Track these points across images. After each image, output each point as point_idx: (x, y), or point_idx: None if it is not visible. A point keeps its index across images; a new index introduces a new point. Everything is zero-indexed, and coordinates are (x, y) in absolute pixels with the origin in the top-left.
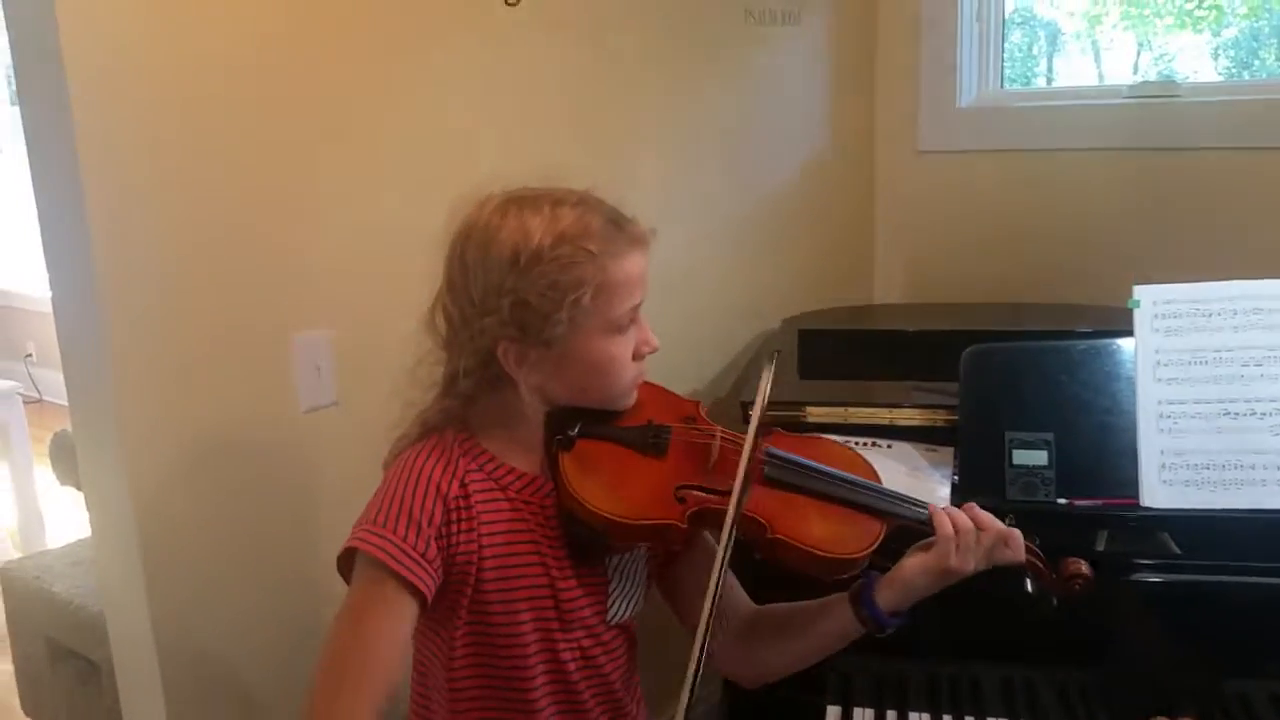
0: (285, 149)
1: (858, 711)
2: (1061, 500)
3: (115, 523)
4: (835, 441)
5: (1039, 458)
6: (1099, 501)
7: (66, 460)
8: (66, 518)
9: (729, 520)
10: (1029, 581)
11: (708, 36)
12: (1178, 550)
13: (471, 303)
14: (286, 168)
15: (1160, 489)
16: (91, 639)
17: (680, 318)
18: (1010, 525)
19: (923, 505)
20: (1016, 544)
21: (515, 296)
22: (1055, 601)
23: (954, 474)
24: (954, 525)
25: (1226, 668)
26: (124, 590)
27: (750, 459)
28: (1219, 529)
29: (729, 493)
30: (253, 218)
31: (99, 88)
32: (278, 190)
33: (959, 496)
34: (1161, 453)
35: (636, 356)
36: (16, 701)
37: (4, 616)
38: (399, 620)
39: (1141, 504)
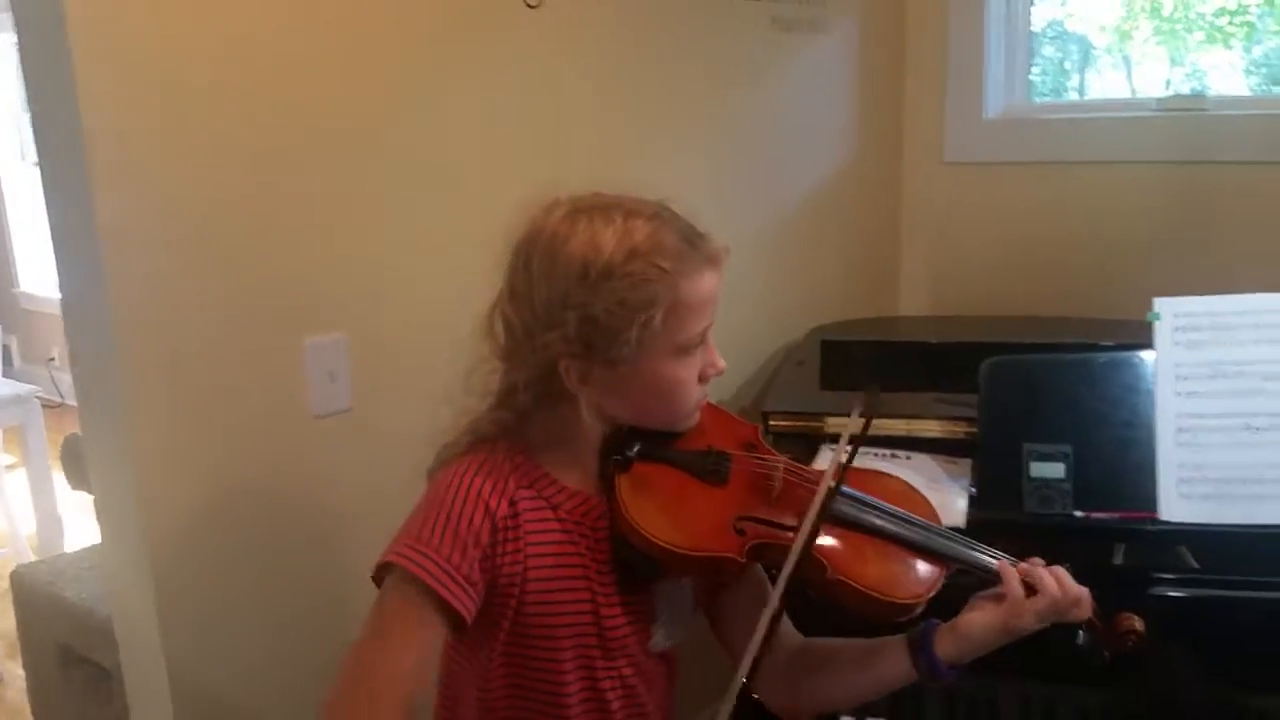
0: (299, 152)
1: None
2: (1079, 513)
3: (124, 528)
4: (896, 477)
5: (1056, 470)
6: (1116, 515)
7: (77, 464)
8: (85, 522)
9: (790, 563)
10: (1081, 635)
11: (733, 44)
12: (1196, 565)
13: (534, 314)
14: (300, 170)
15: (1179, 503)
16: (102, 645)
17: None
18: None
19: (990, 554)
20: (1085, 605)
21: (582, 312)
22: (1107, 657)
23: (971, 486)
24: (1035, 586)
25: (1246, 683)
26: (133, 596)
27: (824, 503)
28: (1238, 543)
29: (791, 528)
30: (265, 220)
31: (108, 91)
32: (291, 193)
33: (976, 509)
34: (1180, 466)
35: (702, 379)
36: (28, 706)
37: (16, 621)
38: (429, 640)
39: (1159, 517)
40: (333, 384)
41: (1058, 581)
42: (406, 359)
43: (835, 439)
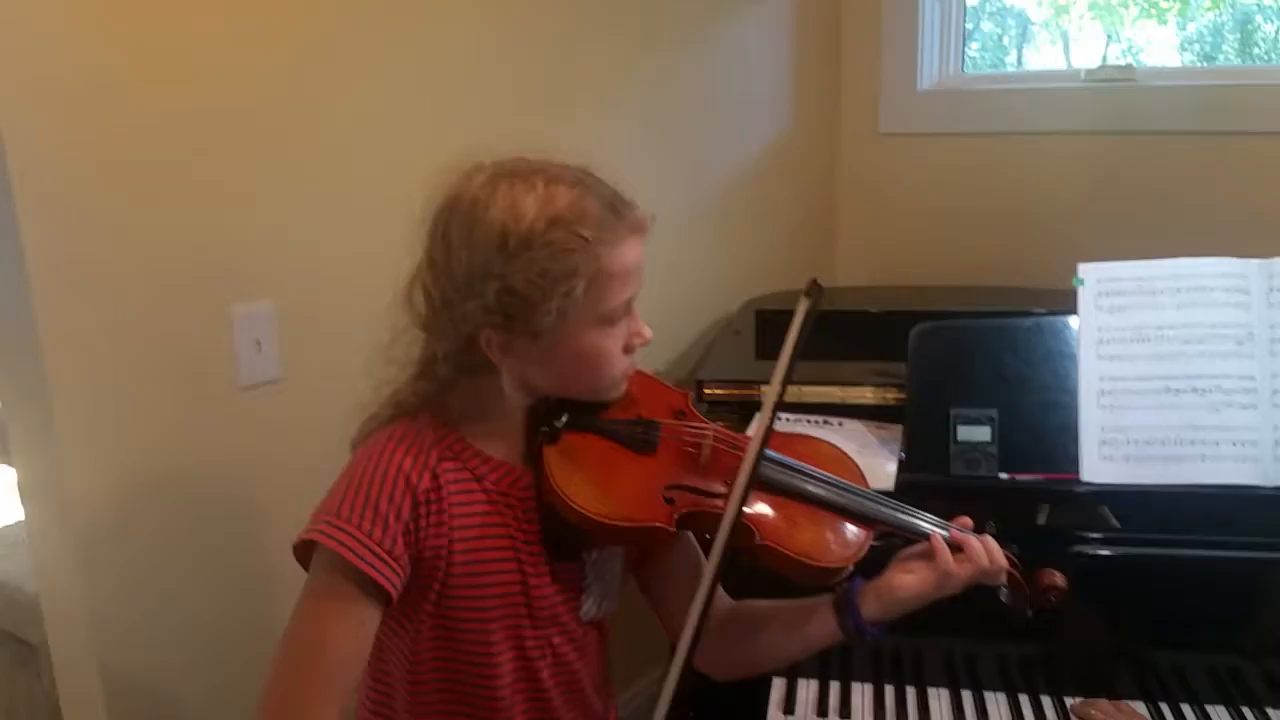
0: (219, 121)
1: (801, 683)
2: (1004, 475)
3: (49, 505)
4: (826, 441)
5: (982, 434)
6: (1040, 476)
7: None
8: (8, 499)
9: (724, 531)
10: (1004, 592)
11: (667, 8)
12: (1117, 524)
13: (454, 284)
14: (220, 139)
15: (1100, 464)
16: (28, 621)
17: (641, 300)
18: (990, 531)
19: (920, 518)
20: (1005, 568)
21: (502, 282)
22: (1030, 613)
23: (901, 450)
24: (966, 554)
25: (1164, 640)
26: (58, 573)
27: (752, 474)
28: (1158, 503)
29: (720, 495)
30: (186, 190)
31: (21, 62)
32: (212, 162)
33: (904, 473)
34: (1102, 429)
35: (628, 349)
36: None
37: None
38: (361, 619)
39: (1082, 478)
40: (259, 354)
41: (986, 550)
42: (338, 327)
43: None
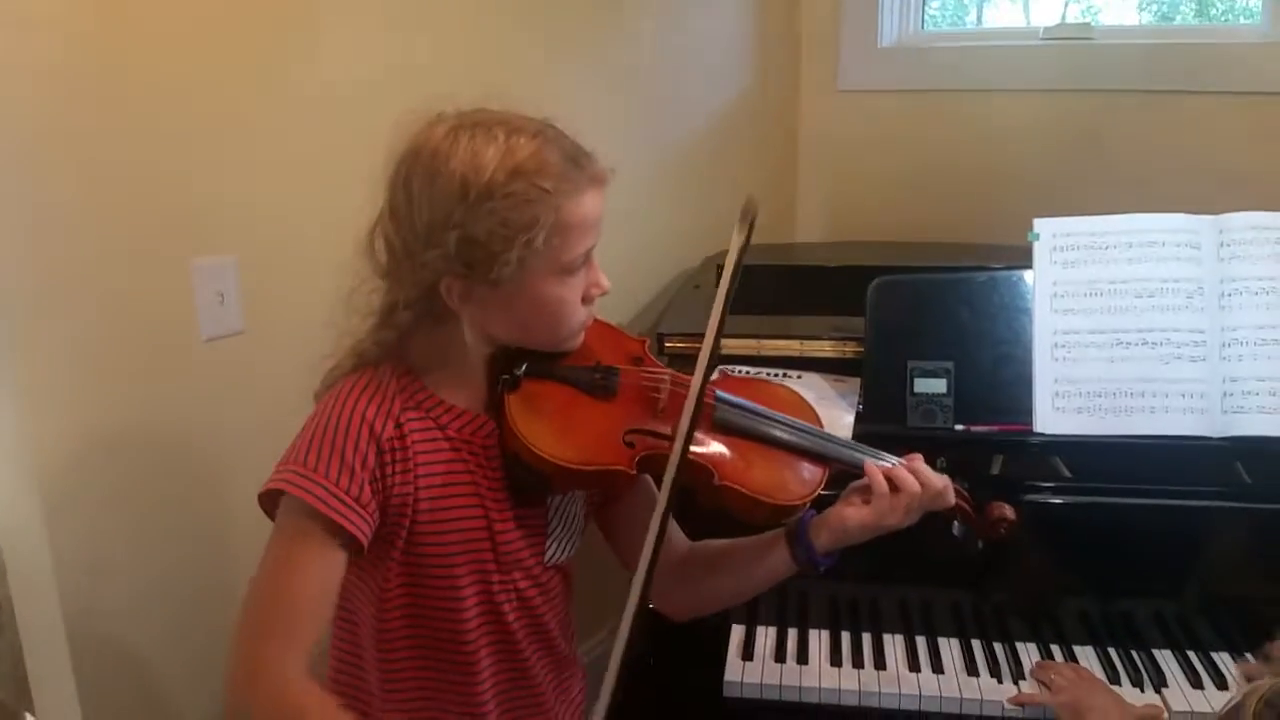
0: (178, 74)
1: (760, 630)
2: (959, 427)
3: (12, 461)
4: (780, 385)
5: (939, 386)
6: (995, 428)
7: None
8: None
9: (672, 466)
10: (955, 525)
11: None
12: (1069, 474)
13: (415, 233)
14: (184, 92)
15: (1053, 415)
16: None
17: (604, 256)
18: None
19: (863, 451)
20: (949, 494)
21: (462, 232)
22: (980, 545)
23: (859, 403)
24: (897, 484)
25: (1113, 587)
26: (22, 528)
27: (699, 403)
28: (1109, 454)
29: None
30: (145, 143)
31: None
32: (170, 114)
33: (862, 425)
34: (1056, 381)
35: (586, 299)
36: None
37: None
38: (329, 566)
39: (1035, 430)
40: (222, 306)
41: (917, 478)
42: (301, 279)
43: (731, 361)
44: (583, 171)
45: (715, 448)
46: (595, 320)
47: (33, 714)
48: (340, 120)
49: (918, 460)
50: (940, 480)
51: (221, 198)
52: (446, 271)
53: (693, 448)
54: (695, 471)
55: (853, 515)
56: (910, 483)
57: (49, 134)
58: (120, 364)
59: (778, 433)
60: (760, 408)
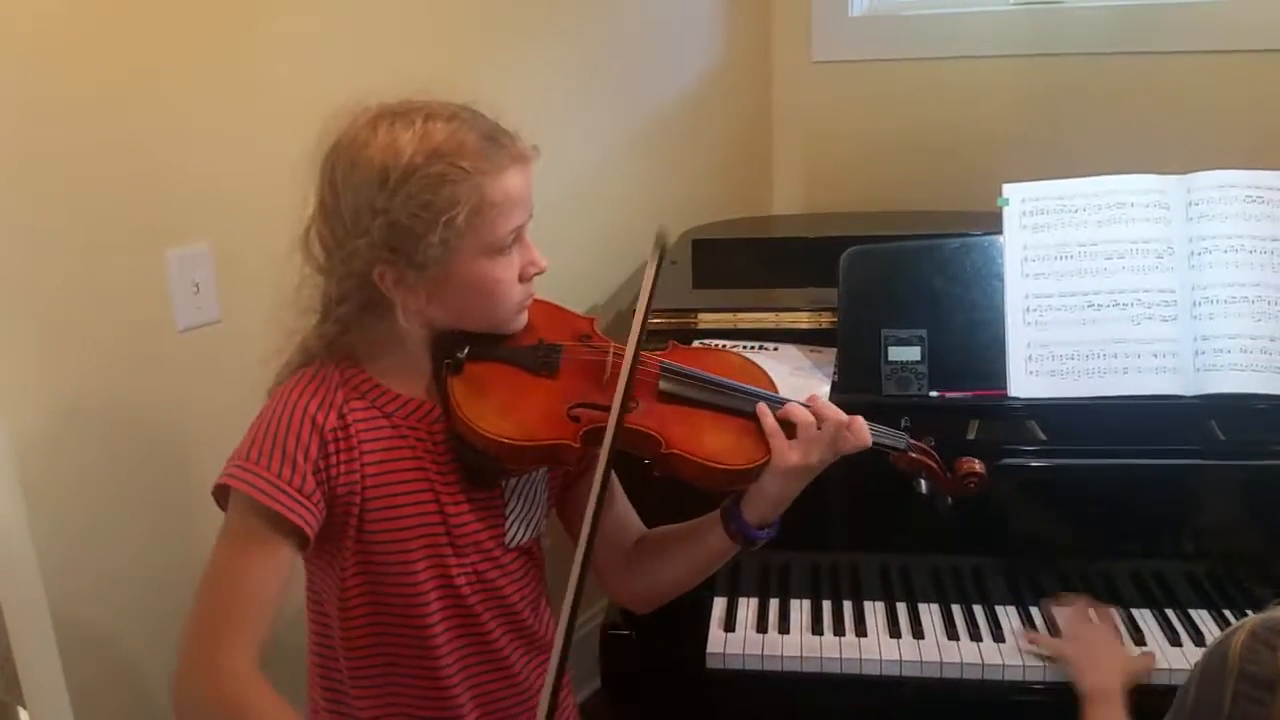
0: (148, 63)
1: (742, 601)
2: (934, 393)
3: None
4: (732, 352)
5: (912, 353)
6: (969, 394)
7: None
8: None
9: (610, 430)
10: (923, 482)
11: None
12: (1043, 437)
13: (343, 224)
14: (155, 80)
15: (1027, 379)
16: None
17: (577, 233)
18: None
19: (772, 401)
20: (859, 430)
21: (386, 217)
22: (950, 501)
23: (835, 373)
24: (790, 419)
25: (1090, 548)
26: (4, 519)
27: (633, 369)
28: (1084, 416)
29: (628, 410)
30: (117, 133)
31: None
32: (141, 104)
33: (837, 395)
34: (1028, 345)
35: (523, 278)
36: None
37: None
38: (276, 558)
39: (1009, 394)
40: (197, 296)
41: (814, 413)
42: (279, 268)
43: (708, 335)
44: (503, 150)
45: (662, 416)
46: (539, 300)
47: (23, 706)
48: (315, 107)
49: (817, 399)
50: (840, 414)
51: (197, 187)
52: (376, 259)
53: (639, 418)
54: (644, 441)
55: (765, 480)
56: (802, 415)
57: (20, 123)
58: (97, 355)
59: (727, 399)
60: (707, 375)
